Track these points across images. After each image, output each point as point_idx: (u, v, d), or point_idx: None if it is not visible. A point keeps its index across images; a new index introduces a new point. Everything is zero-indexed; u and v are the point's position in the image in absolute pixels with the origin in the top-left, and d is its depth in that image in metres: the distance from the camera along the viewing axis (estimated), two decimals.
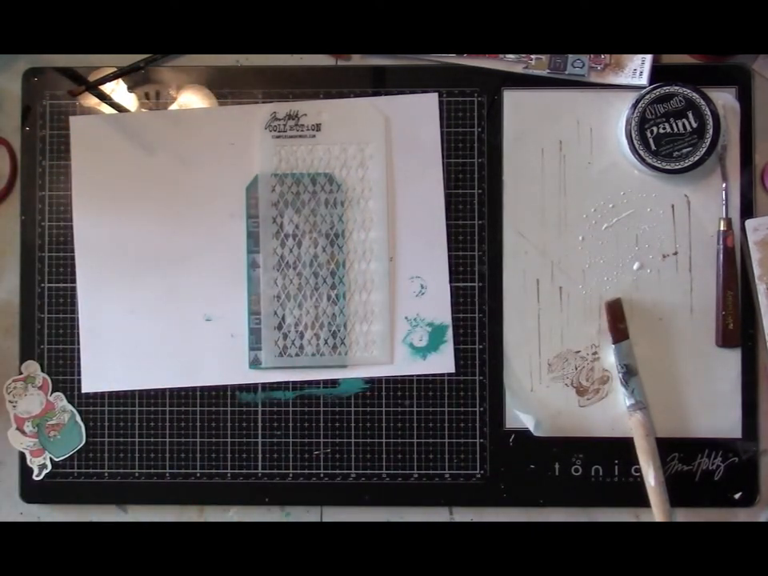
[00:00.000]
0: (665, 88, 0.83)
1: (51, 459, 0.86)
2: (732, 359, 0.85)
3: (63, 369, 0.86)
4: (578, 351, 0.86)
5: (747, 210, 0.85)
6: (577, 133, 0.86)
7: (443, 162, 0.86)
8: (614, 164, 0.86)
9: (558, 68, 0.85)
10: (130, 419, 0.86)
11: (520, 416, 0.85)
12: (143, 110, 0.88)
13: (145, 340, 0.86)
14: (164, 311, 0.86)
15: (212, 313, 0.86)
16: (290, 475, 0.86)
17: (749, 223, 0.84)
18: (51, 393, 0.86)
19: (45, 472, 0.86)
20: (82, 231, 0.87)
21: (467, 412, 0.86)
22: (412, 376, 0.86)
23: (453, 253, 0.86)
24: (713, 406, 0.85)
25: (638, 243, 0.86)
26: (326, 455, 0.86)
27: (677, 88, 0.83)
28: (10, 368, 0.87)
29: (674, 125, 0.83)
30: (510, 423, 0.86)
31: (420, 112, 0.86)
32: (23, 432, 0.86)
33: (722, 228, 0.84)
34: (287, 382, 0.86)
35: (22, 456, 0.86)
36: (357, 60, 0.88)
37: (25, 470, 0.86)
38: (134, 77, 0.87)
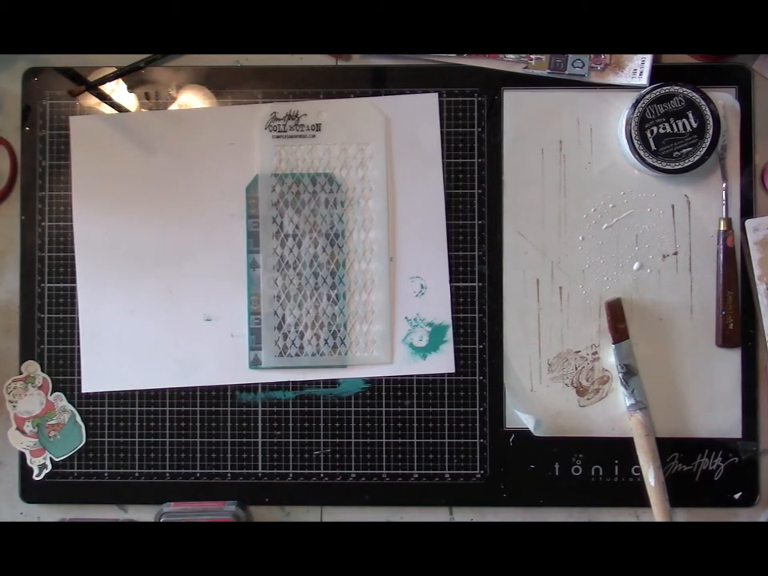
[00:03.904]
0: (665, 88, 0.83)
1: (51, 459, 0.86)
2: (732, 359, 0.85)
3: (63, 369, 0.86)
4: (578, 351, 0.86)
5: (747, 210, 0.85)
6: (577, 133, 0.86)
7: (443, 162, 0.86)
8: (614, 164, 0.86)
9: (558, 68, 0.85)
10: (130, 419, 0.86)
11: (520, 416, 0.85)
12: (143, 110, 0.88)
13: (145, 340, 0.86)
14: (164, 311, 0.86)
15: (212, 313, 0.86)
16: (290, 475, 0.86)
17: (749, 223, 0.84)
18: (51, 393, 0.86)
19: (45, 472, 0.86)
20: (82, 231, 0.87)
21: (467, 412, 0.86)
22: (412, 376, 0.86)
23: (453, 253, 0.86)
24: (713, 406, 0.85)
25: (637, 243, 0.86)
26: (326, 455, 0.86)
27: (677, 88, 0.83)
28: (10, 368, 0.87)
29: (673, 125, 0.83)
30: (510, 423, 0.86)
31: (420, 112, 0.86)
32: (23, 432, 0.86)
33: (722, 228, 0.84)
34: (287, 382, 0.86)
35: (22, 456, 0.86)
36: (357, 60, 0.88)
37: (25, 470, 0.86)
38: (133, 77, 0.87)
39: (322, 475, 0.86)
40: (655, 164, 0.83)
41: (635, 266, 0.86)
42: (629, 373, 0.84)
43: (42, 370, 0.87)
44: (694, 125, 0.83)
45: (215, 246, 0.86)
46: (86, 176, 0.87)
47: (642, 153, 0.83)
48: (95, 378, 0.86)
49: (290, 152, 0.87)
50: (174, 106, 0.88)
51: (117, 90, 0.88)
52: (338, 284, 0.86)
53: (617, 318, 0.85)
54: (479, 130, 0.87)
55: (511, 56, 0.86)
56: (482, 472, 0.86)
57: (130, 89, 0.88)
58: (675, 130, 0.83)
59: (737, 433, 0.85)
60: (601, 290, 0.86)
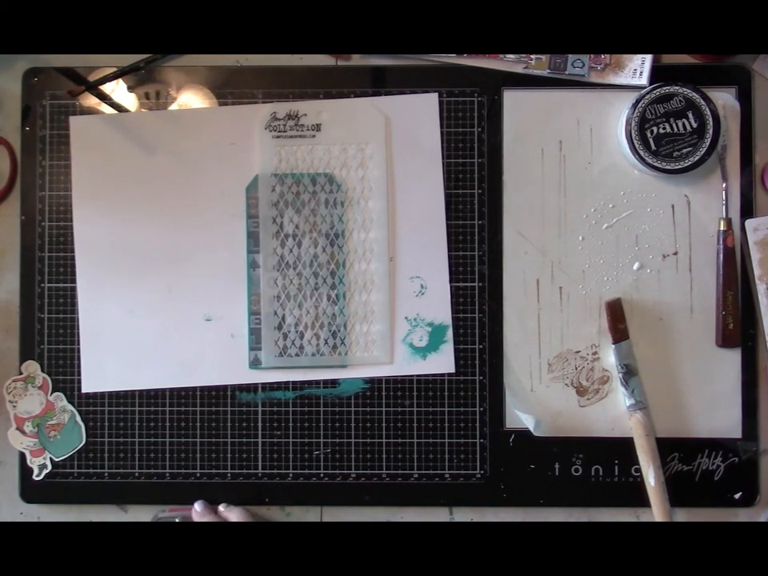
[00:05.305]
0: (665, 88, 0.83)
1: (51, 459, 0.86)
2: (732, 359, 0.85)
3: (63, 369, 0.86)
4: (578, 351, 0.86)
5: (747, 210, 0.85)
6: (577, 133, 0.86)
7: (443, 162, 0.86)
8: (614, 164, 0.86)
9: (558, 68, 0.85)
10: (130, 419, 0.86)
11: (520, 416, 0.85)
12: (143, 110, 0.88)
13: (145, 340, 0.86)
14: (164, 311, 0.86)
15: (212, 313, 0.86)
16: (290, 475, 0.86)
17: (749, 223, 0.84)
18: (51, 393, 0.86)
19: (45, 472, 0.86)
20: (82, 231, 0.87)
21: (467, 412, 0.86)
22: (412, 376, 0.86)
23: (453, 253, 0.86)
24: (713, 406, 0.85)
25: (637, 243, 0.86)
26: (326, 455, 0.86)
27: (677, 88, 0.83)
28: (10, 368, 0.87)
29: (673, 125, 0.83)
30: (510, 423, 0.86)
31: (420, 112, 0.86)
32: (23, 432, 0.86)
33: (722, 228, 0.84)
34: (287, 382, 0.86)
35: (22, 456, 0.86)
36: (357, 60, 0.88)
37: (25, 470, 0.86)
38: (133, 77, 0.87)
39: (321, 475, 0.86)
40: (655, 164, 0.83)
41: (635, 266, 0.86)
42: (629, 373, 0.84)
43: (42, 370, 0.87)
44: (694, 125, 0.83)
45: (215, 245, 0.86)
46: (86, 176, 0.87)
47: (641, 153, 0.83)
48: (95, 378, 0.86)
49: (290, 152, 0.87)
50: (173, 106, 0.88)
51: (117, 89, 0.88)
52: (338, 284, 0.86)
53: (617, 318, 0.85)
54: (479, 130, 0.87)
55: (511, 56, 0.86)
56: (482, 472, 0.86)
57: (130, 89, 0.88)
58: (675, 129, 0.83)
59: (737, 433, 0.85)
60: (601, 290, 0.86)
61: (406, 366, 0.86)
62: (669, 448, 0.84)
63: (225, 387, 0.86)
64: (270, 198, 0.86)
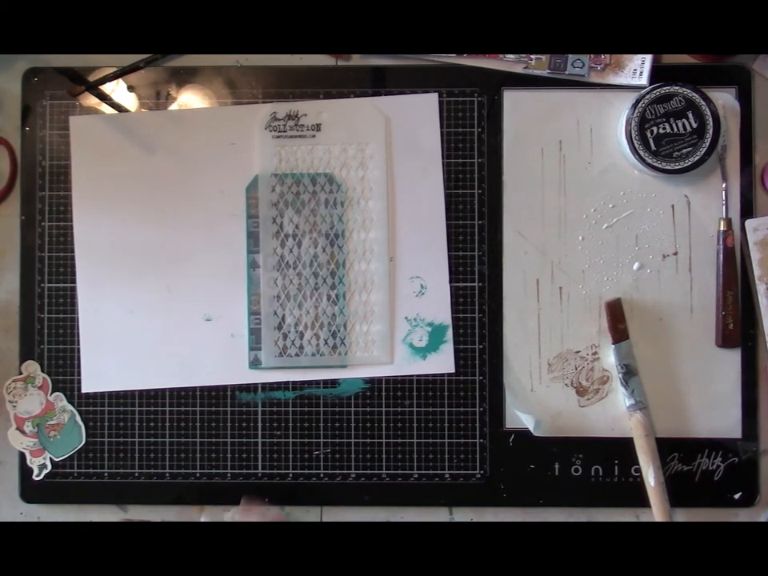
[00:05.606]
0: (665, 88, 0.83)
1: (51, 459, 0.86)
2: (732, 359, 0.85)
3: (63, 369, 0.86)
4: (578, 351, 0.86)
5: (747, 210, 0.85)
6: (577, 133, 0.86)
7: (443, 162, 0.86)
8: (614, 164, 0.86)
9: (558, 68, 0.85)
10: (130, 419, 0.86)
11: (520, 416, 0.85)
12: (143, 110, 0.88)
13: (144, 340, 0.86)
14: (164, 311, 0.86)
15: (212, 313, 0.86)
16: (290, 475, 0.86)
17: (749, 223, 0.84)
18: (51, 393, 0.86)
19: (45, 472, 0.86)
20: (82, 231, 0.87)
21: (467, 412, 0.86)
22: (412, 376, 0.86)
23: (453, 253, 0.86)
24: (713, 406, 0.85)
25: (637, 243, 0.86)
26: (326, 455, 0.86)
27: (677, 88, 0.83)
28: (10, 368, 0.87)
29: (673, 125, 0.83)
30: (510, 423, 0.86)
31: (420, 112, 0.86)
32: (23, 432, 0.86)
33: (721, 228, 0.84)
34: (287, 382, 0.86)
35: (22, 456, 0.86)
36: (357, 60, 0.88)
37: (25, 470, 0.86)
38: (133, 77, 0.87)
39: (321, 475, 0.86)
40: (655, 164, 0.83)
41: (635, 266, 0.86)
42: (629, 373, 0.84)
43: (42, 370, 0.87)
44: (694, 125, 0.83)
45: (215, 245, 0.86)
46: (86, 176, 0.87)
47: (641, 153, 0.83)
48: (95, 377, 0.86)
49: (290, 152, 0.87)
50: (173, 106, 0.88)
51: (117, 89, 0.88)
52: (338, 284, 0.86)
53: (617, 318, 0.85)
54: (479, 130, 0.87)
55: (511, 56, 0.86)
56: (482, 472, 0.86)
57: (130, 89, 0.88)
58: (675, 130, 0.83)
59: (737, 433, 0.85)
60: (601, 290, 0.86)
61: (406, 365, 0.86)
62: (669, 448, 0.84)
63: (225, 387, 0.86)
64: (270, 198, 0.86)
